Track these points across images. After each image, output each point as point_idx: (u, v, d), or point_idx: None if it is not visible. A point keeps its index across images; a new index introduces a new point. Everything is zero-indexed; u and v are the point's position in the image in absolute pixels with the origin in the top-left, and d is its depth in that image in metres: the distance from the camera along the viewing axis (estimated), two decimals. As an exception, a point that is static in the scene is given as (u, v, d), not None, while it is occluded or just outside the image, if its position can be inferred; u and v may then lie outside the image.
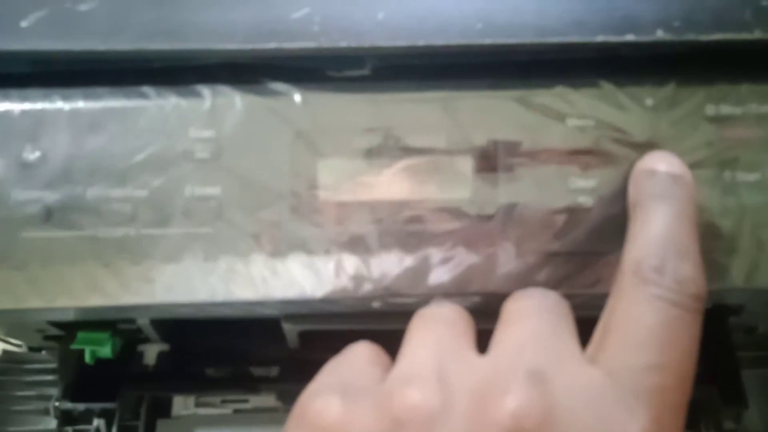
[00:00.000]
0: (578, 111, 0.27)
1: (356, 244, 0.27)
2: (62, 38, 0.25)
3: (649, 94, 0.27)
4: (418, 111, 0.27)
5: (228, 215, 0.26)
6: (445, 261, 0.27)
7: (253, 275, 0.27)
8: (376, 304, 0.28)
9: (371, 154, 0.27)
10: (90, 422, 0.37)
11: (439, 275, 0.27)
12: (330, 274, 0.27)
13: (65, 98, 0.26)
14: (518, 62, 0.27)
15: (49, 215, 0.26)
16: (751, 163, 0.26)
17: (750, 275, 0.26)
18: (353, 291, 0.27)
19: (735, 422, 0.38)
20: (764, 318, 0.37)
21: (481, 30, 0.26)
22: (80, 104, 0.26)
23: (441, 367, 0.22)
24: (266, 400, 0.38)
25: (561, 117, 0.27)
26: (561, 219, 0.27)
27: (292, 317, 0.32)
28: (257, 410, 0.38)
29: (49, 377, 0.41)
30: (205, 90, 0.27)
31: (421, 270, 0.27)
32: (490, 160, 0.27)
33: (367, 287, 0.27)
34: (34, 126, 0.26)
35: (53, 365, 0.41)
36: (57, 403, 0.37)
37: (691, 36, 0.25)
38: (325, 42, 0.25)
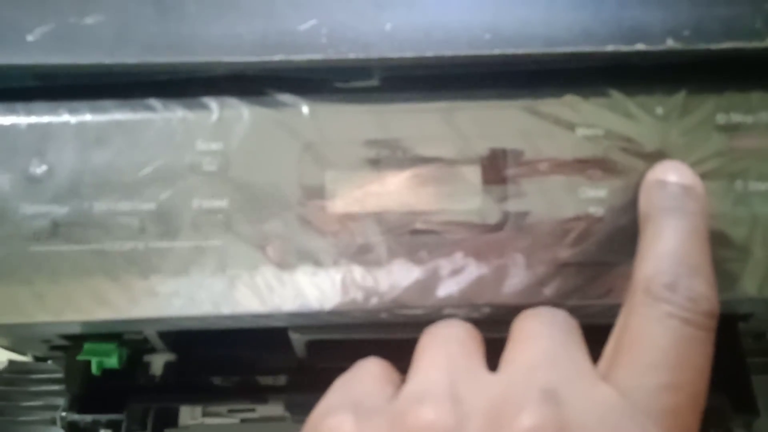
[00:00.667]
0: (588, 120, 0.27)
1: (364, 256, 0.27)
2: (68, 52, 0.25)
3: (659, 103, 0.26)
4: (426, 121, 0.27)
5: (236, 228, 0.26)
6: (454, 272, 0.27)
7: (261, 288, 0.26)
8: (384, 316, 0.28)
9: (379, 165, 0.27)
10: (96, 433, 0.37)
11: (449, 287, 0.27)
12: (338, 286, 0.27)
13: (72, 111, 0.26)
14: (527, 72, 0.27)
15: (56, 229, 0.26)
16: (763, 172, 0.26)
17: (762, 285, 0.26)
18: (362, 303, 0.27)
19: (745, 429, 0.38)
20: (774, 324, 0.36)
21: (489, 40, 0.25)
22: (87, 117, 0.26)
23: (453, 385, 0.21)
24: (273, 409, 0.38)
25: (570, 126, 0.27)
26: (571, 229, 0.26)
27: (300, 327, 0.32)
28: (264, 419, 0.38)
29: (56, 387, 0.41)
30: (213, 102, 0.27)
31: (430, 281, 0.27)
32: (499, 170, 0.27)
33: (375, 299, 0.27)
34: (41, 140, 0.26)
35: (59, 375, 0.41)
36: (64, 414, 0.37)
37: (701, 45, 0.25)
38: (333, 53, 0.25)
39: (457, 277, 0.27)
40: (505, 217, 0.26)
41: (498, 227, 0.26)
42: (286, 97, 0.27)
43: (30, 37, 0.25)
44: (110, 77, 0.26)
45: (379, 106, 0.27)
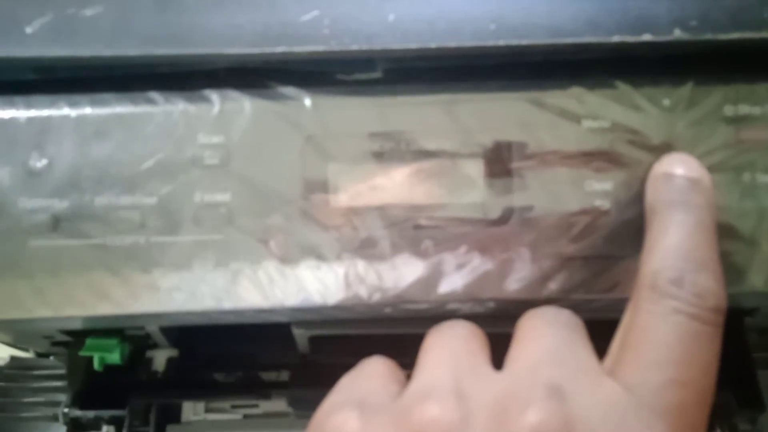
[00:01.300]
0: (593, 112, 0.26)
1: (368, 250, 0.26)
2: (67, 44, 0.25)
3: (665, 95, 0.26)
4: (429, 114, 0.27)
5: (238, 221, 0.26)
6: (458, 267, 0.26)
7: (264, 282, 0.26)
8: (388, 311, 0.27)
9: (383, 158, 0.26)
10: (99, 429, 0.37)
11: (453, 281, 0.26)
12: (341, 281, 0.26)
13: (71, 105, 0.26)
14: (532, 63, 0.26)
15: (56, 224, 0.26)
16: (771, 164, 0.26)
17: (770, 279, 0.26)
18: (365, 298, 0.27)
19: (750, 425, 0.38)
20: (780, 319, 0.36)
21: (494, 31, 0.25)
22: (87, 111, 0.26)
23: (458, 383, 0.21)
24: (276, 405, 0.38)
25: (576, 118, 0.26)
26: (577, 222, 0.26)
27: (303, 323, 0.32)
28: (267, 415, 0.38)
29: (58, 383, 0.41)
30: (214, 95, 0.26)
31: (434, 276, 0.26)
32: (503, 163, 0.26)
33: (379, 294, 0.27)
34: (41, 133, 0.26)
35: (61, 371, 0.41)
36: (66, 410, 0.37)
37: (708, 35, 0.25)
38: (336, 45, 0.25)
39: (461, 271, 0.26)
40: (510, 210, 0.26)
41: (502, 221, 0.26)
42: (288, 90, 0.26)
43: (29, 30, 0.25)
44: (110, 70, 0.26)
45: (382, 99, 0.27)
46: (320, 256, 0.26)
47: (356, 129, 0.26)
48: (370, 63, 0.26)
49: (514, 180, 0.26)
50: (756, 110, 0.26)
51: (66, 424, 0.37)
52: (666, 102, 0.26)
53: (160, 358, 0.38)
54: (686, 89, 0.26)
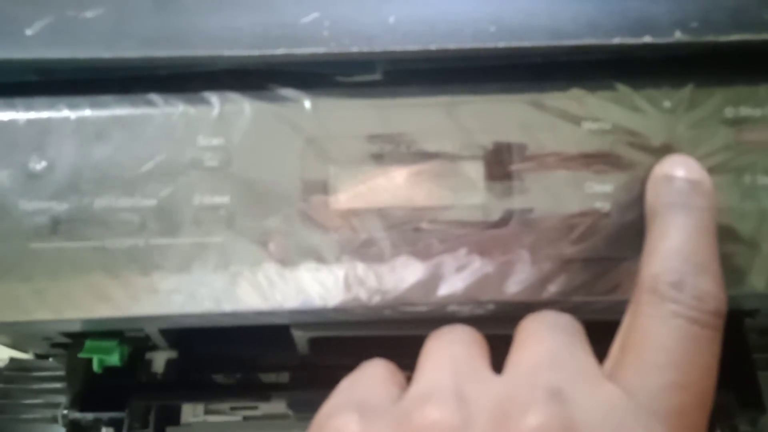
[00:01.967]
0: (594, 114, 0.26)
1: (368, 252, 0.26)
2: (67, 46, 0.25)
3: (666, 97, 0.26)
4: (429, 116, 0.26)
5: (238, 224, 0.26)
6: (458, 269, 0.26)
7: (263, 284, 0.26)
8: (388, 313, 0.27)
9: (382, 160, 0.26)
10: (98, 431, 0.37)
11: (453, 283, 0.26)
12: (341, 283, 0.26)
13: (71, 107, 0.26)
14: (532, 65, 0.26)
15: (56, 226, 0.26)
16: (771, 166, 0.26)
17: (771, 280, 0.26)
18: (365, 300, 0.26)
19: (751, 426, 0.38)
20: (780, 320, 0.36)
21: (494, 33, 0.25)
22: (87, 113, 0.26)
23: (459, 386, 0.21)
24: (276, 407, 0.38)
25: (576, 120, 0.26)
26: (577, 224, 0.26)
27: (302, 324, 0.32)
28: (267, 417, 0.38)
29: (57, 385, 0.41)
30: (214, 97, 0.26)
31: (434, 278, 0.26)
32: (503, 165, 0.26)
33: (378, 296, 0.26)
34: (40, 135, 0.26)
35: (61, 372, 0.41)
36: (65, 412, 0.37)
37: (709, 37, 0.25)
38: (335, 47, 0.25)
39: (461, 273, 0.26)
40: (510, 212, 0.26)
41: (503, 223, 0.26)
42: (287, 92, 0.26)
43: (29, 31, 0.25)
44: (110, 72, 0.26)
45: (382, 101, 0.26)
46: (320, 259, 0.26)
47: (356, 131, 0.26)
48: (369, 65, 0.26)
49: (514, 182, 0.26)
50: (756, 112, 0.26)
51: (65, 426, 0.37)
52: (666, 104, 0.26)
53: (160, 360, 0.38)
54: (686, 91, 0.26)
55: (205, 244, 0.26)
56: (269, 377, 0.38)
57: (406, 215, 0.26)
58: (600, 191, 0.26)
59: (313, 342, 0.34)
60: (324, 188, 0.26)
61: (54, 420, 0.39)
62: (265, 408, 0.38)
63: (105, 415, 0.36)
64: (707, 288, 0.22)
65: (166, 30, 0.25)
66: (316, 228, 0.26)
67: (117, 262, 0.26)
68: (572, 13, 0.26)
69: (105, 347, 0.35)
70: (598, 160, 0.26)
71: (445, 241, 0.26)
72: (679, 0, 0.26)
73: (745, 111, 0.26)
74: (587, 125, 0.26)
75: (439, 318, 0.29)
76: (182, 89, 0.26)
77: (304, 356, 0.36)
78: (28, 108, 0.26)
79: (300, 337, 0.33)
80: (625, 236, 0.26)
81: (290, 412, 0.37)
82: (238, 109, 0.26)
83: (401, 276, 0.26)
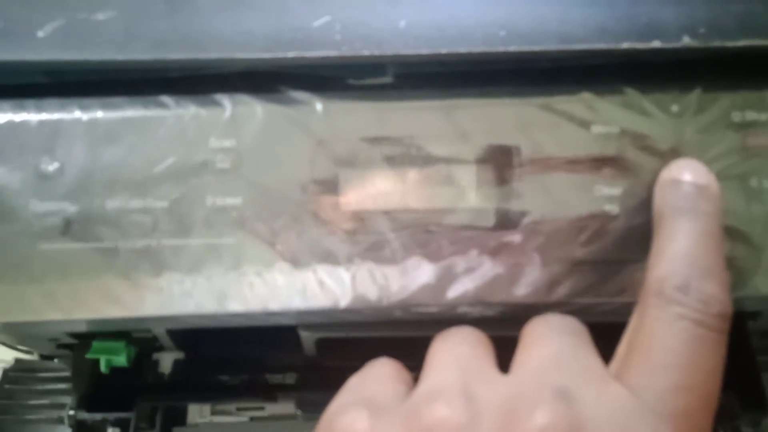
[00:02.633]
0: (603, 118, 0.26)
1: (377, 253, 0.27)
2: (79, 48, 0.25)
3: (674, 101, 0.26)
4: (439, 119, 0.27)
5: (249, 225, 0.26)
6: (468, 271, 0.26)
7: (275, 285, 0.26)
8: (397, 314, 0.27)
9: (393, 162, 0.27)
10: (104, 431, 0.37)
11: (462, 285, 0.26)
12: (351, 284, 0.27)
13: (83, 108, 0.26)
14: (542, 69, 0.26)
15: (67, 227, 0.26)
16: (778, 170, 0.26)
17: (776, 283, 0.26)
18: (374, 301, 0.27)
19: (753, 427, 0.38)
20: (783, 322, 0.36)
21: (504, 37, 0.25)
22: (98, 114, 0.26)
23: (466, 384, 0.21)
24: (282, 407, 0.38)
25: (585, 124, 0.26)
26: (586, 227, 0.26)
27: (310, 325, 0.32)
28: (273, 418, 0.38)
29: (62, 386, 0.41)
30: (225, 99, 0.26)
31: (444, 280, 0.27)
32: (513, 168, 0.26)
33: (388, 297, 0.27)
34: (52, 137, 0.26)
35: (66, 373, 0.41)
36: (72, 413, 0.37)
37: (717, 42, 0.25)
38: (347, 50, 0.25)
39: (470, 275, 0.26)
40: (519, 215, 0.26)
41: (512, 225, 0.26)
42: (299, 95, 0.27)
43: (41, 33, 0.25)
44: (121, 73, 0.26)
45: (393, 104, 0.27)
46: (330, 260, 0.26)
47: (366, 133, 0.26)
48: (380, 68, 0.26)
49: (524, 185, 0.26)
50: (763, 117, 0.26)
51: (71, 426, 0.37)
52: (674, 108, 0.26)
53: (167, 361, 0.38)
54: (694, 95, 0.26)
55: (216, 245, 0.26)
56: (275, 378, 0.39)
57: (416, 217, 0.26)
58: (608, 194, 0.26)
59: (321, 343, 0.34)
60: (334, 190, 0.26)
61: (59, 421, 0.39)
62: (271, 409, 0.38)
63: (112, 416, 0.36)
64: (713, 291, 0.22)
65: (178, 32, 0.25)
66: (327, 229, 0.26)
67: (128, 264, 0.26)
68: (581, 17, 0.26)
69: (112, 348, 0.35)
70: (607, 164, 0.26)
71: (456, 243, 0.26)
72: (687, 5, 0.26)
73: (751, 116, 0.26)
74: (596, 129, 0.26)
75: (448, 319, 0.29)
76: (194, 91, 0.26)
77: (311, 357, 0.37)
78: (40, 109, 0.26)
79: (307, 338, 0.34)
80: (632, 239, 0.26)
81: (297, 413, 0.37)
82: (249, 112, 0.26)
83: (411, 277, 0.26)
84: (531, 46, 0.25)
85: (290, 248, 0.26)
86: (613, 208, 0.26)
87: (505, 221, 0.26)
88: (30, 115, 0.26)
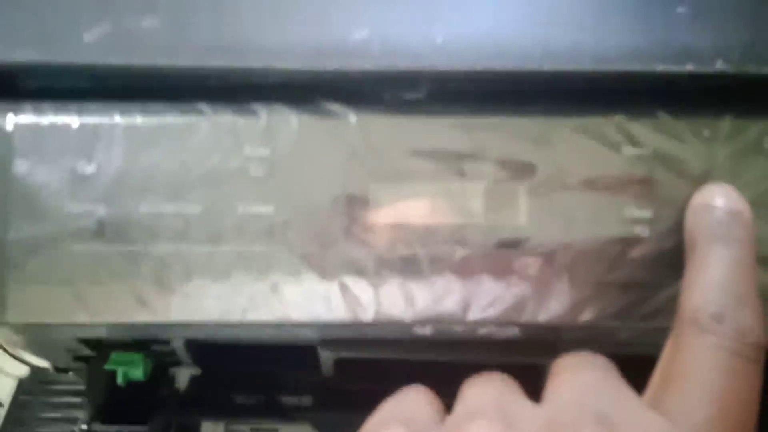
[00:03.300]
0: (635, 140, 0.27)
1: (408, 268, 0.26)
2: (124, 53, 0.26)
3: (706, 126, 0.26)
4: (473, 136, 0.27)
5: (280, 234, 0.26)
6: (497, 290, 0.26)
7: (302, 295, 0.26)
8: (424, 331, 0.27)
9: (426, 177, 0.27)
10: (116, 447, 0.37)
11: (491, 305, 0.26)
12: (378, 298, 0.26)
13: (122, 113, 0.27)
14: (576, 90, 0.27)
15: (100, 229, 0.26)
16: (811, 196, 0.26)
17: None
18: (400, 316, 0.26)
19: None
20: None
21: (540, 56, 0.26)
22: (137, 119, 0.27)
23: (504, 408, 0.21)
24: (297, 429, 0.37)
25: (617, 146, 0.27)
26: (616, 249, 0.26)
27: (330, 343, 0.32)
28: (287, 440, 0.37)
29: (76, 399, 0.40)
30: (261, 108, 0.27)
31: (473, 298, 0.26)
32: (545, 188, 0.27)
33: (417, 313, 0.26)
34: (91, 139, 0.26)
35: (80, 387, 0.41)
36: (84, 426, 0.36)
37: (751, 68, 0.25)
38: (385, 64, 0.25)
39: (499, 294, 0.26)
40: (551, 235, 0.26)
41: (542, 245, 0.26)
42: (334, 107, 0.27)
43: (87, 37, 0.26)
44: (162, 80, 0.26)
45: (427, 119, 0.27)
46: (359, 272, 0.26)
47: (400, 147, 0.27)
48: (416, 83, 0.27)
49: (555, 205, 0.26)
50: (796, 144, 0.26)
51: (84, 439, 0.37)
52: (706, 133, 0.27)
53: (183, 376, 0.38)
54: (726, 121, 0.26)
55: (246, 253, 0.26)
56: (291, 400, 0.38)
57: (447, 233, 0.26)
58: (639, 217, 0.26)
59: (339, 363, 0.34)
60: (366, 203, 0.27)
61: (71, 434, 0.39)
62: (285, 430, 0.37)
63: (126, 429, 0.36)
64: (747, 321, 0.22)
65: (221, 41, 0.26)
66: (357, 242, 0.26)
67: (159, 268, 0.26)
68: (617, 39, 0.26)
69: (130, 360, 0.35)
70: (639, 186, 0.26)
71: (486, 262, 0.26)
72: (722, 30, 0.26)
73: (784, 142, 0.26)
74: (628, 151, 0.26)
75: (471, 341, 0.29)
76: (230, 99, 0.27)
77: (327, 379, 0.36)
78: (81, 112, 0.27)
79: (326, 357, 0.33)
80: (663, 263, 0.26)
81: (313, 435, 0.36)
82: (284, 121, 0.27)
83: (439, 294, 0.26)
84: (565, 66, 0.25)
85: (319, 259, 0.26)
86: (643, 231, 0.26)
87: (536, 241, 0.26)
88: (71, 118, 0.26)
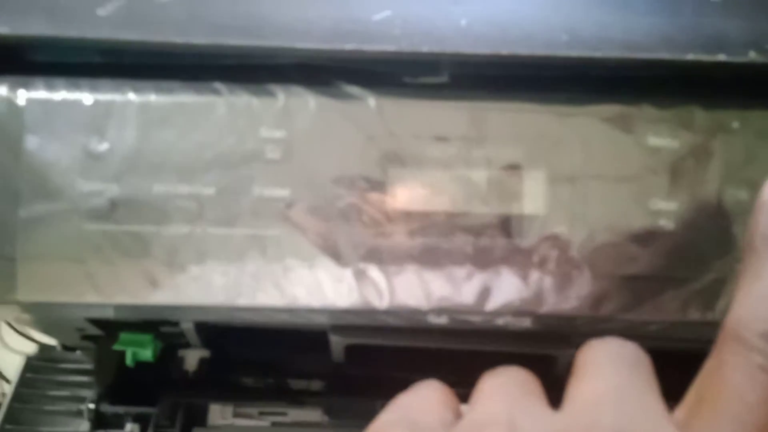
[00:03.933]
0: (661, 130, 0.26)
1: (425, 256, 0.26)
2: (139, 29, 0.25)
3: (735, 117, 0.26)
4: (493, 121, 0.26)
5: (295, 218, 0.26)
6: (517, 280, 0.26)
7: (316, 281, 0.26)
8: (442, 321, 0.27)
9: (445, 163, 0.26)
10: (122, 427, 0.36)
11: (511, 294, 0.26)
12: (396, 286, 0.26)
13: (136, 90, 0.26)
14: (601, 77, 0.26)
15: (113, 208, 0.25)
16: None
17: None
18: (419, 304, 0.26)
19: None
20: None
21: (566, 42, 0.25)
22: (151, 97, 0.26)
23: (514, 419, 0.20)
24: (306, 414, 0.37)
25: (644, 136, 0.26)
26: (640, 241, 0.25)
27: (341, 329, 0.31)
28: (296, 424, 0.37)
29: (83, 378, 0.40)
30: (279, 89, 0.26)
31: (492, 288, 0.26)
32: (567, 177, 0.26)
33: (434, 301, 0.26)
34: (104, 117, 0.26)
35: (87, 366, 0.41)
36: (92, 406, 0.36)
37: (784, 58, 0.25)
38: (406, 46, 0.25)
39: (519, 284, 0.26)
40: (572, 225, 0.26)
41: (564, 235, 0.26)
42: (352, 89, 0.26)
43: (101, 12, 0.25)
44: (178, 57, 0.26)
45: (447, 103, 0.26)
46: (376, 259, 0.26)
47: (419, 132, 0.26)
48: (437, 66, 0.26)
49: (578, 195, 0.26)
50: (827, 138, 0.26)
51: (90, 420, 0.37)
52: (735, 124, 0.26)
53: (192, 358, 0.37)
54: (757, 112, 0.26)
55: (260, 237, 0.26)
56: (300, 383, 0.38)
57: (466, 222, 0.26)
58: (665, 209, 0.25)
59: (350, 349, 0.33)
60: (383, 188, 0.26)
61: (78, 414, 0.39)
62: (294, 415, 0.37)
63: (133, 410, 0.35)
64: None
65: (238, 19, 0.25)
66: (373, 228, 0.26)
67: (171, 249, 0.25)
68: (646, 26, 0.25)
69: (139, 341, 0.34)
70: (665, 178, 0.26)
71: (504, 251, 0.26)
72: (754, 19, 0.25)
73: (815, 135, 0.26)
74: (654, 141, 0.26)
75: (487, 331, 0.28)
76: (247, 79, 0.26)
77: (338, 364, 0.36)
78: (93, 89, 0.26)
79: (337, 343, 0.33)
80: (690, 256, 0.25)
81: (321, 421, 0.36)
82: (302, 103, 0.26)
83: (459, 282, 0.26)
84: (593, 53, 0.25)
85: (334, 244, 0.26)
86: (668, 224, 0.25)
87: (557, 231, 0.26)
88: (83, 95, 0.26)
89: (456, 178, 0.26)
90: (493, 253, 0.26)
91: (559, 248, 0.26)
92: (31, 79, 0.26)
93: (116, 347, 0.34)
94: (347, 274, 0.26)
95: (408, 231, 0.26)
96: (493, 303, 0.26)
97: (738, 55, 0.25)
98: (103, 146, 0.26)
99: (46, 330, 0.37)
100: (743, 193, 0.25)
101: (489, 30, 0.25)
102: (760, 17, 0.26)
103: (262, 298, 0.26)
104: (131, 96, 0.26)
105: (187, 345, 0.37)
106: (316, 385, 0.38)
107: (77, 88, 0.26)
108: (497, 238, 0.26)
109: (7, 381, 0.44)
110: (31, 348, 0.42)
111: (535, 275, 0.26)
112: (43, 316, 0.31)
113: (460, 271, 0.26)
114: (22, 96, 0.26)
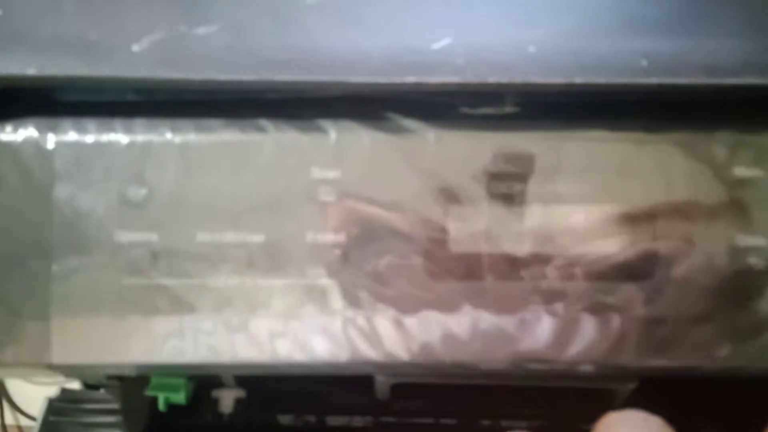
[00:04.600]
0: (745, 159, 0.24)
1: (492, 301, 0.24)
2: (178, 66, 0.23)
3: (826, 145, 0.24)
4: (561, 153, 0.24)
5: (352, 265, 0.24)
6: (595, 327, 0.24)
7: (378, 333, 0.24)
8: (509, 369, 0.25)
9: (508, 201, 0.24)
10: (154, 472, 0.35)
11: (587, 343, 0.24)
12: (462, 335, 0.24)
13: (175, 130, 0.24)
14: (678, 103, 0.24)
15: (154, 260, 0.23)
16: None
17: None
18: (487, 354, 0.24)
19: None
20: None
21: (645, 68, 0.23)
22: (191, 137, 0.24)
23: None
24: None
25: (726, 166, 0.24)
26: (729, 281, 0.24)
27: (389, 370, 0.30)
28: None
29: (110, 419, 0.38)
30: (329, 125, 0.24)
31: (566, 335, 0.24)
32: (643, 212, 0.24)
33: (502, 350, 0.24)
34: (141, 160, 0.24)
35: (113, 405, 0.38)
36: (124, 452, 0.34)
37: None
38: (472, 77, 0.23)
39: (598, 332, 0.24)
40: (653, 265, 0.24)
41: (644, 276, 0.24)
42: (409, 123, 0.24)
43: (136, 47, 0.23)
44: (219, 94, 0.23)
45: (511, 135, 0.24)
46: (439, 306, 0.24)
47: (482, 168, 0.24)
48: (500, 97, 0.24)
49: (656, 231, 0.24)
50: None
51: (121, 465, 0.35)
52: (824, 152, 0.24)
53: (227, 399, 0.35)
54: None
55: (316, 286, 0.23)
56: (341, 420, 0.36)
57: (535, 263, 0.24)
58: (753, 245, 0.23)
59: (395, 388, 0.32)
60: (444, 229, 0.24)
61: (105, 457, 0.37)
62: (334, 455, 0.35)
63: (169, 458, 0.33)
64: None
65: (286, 52, 0.23)
66: (436, 273, 0.24)
67: (220, 303, 0.23)
68: (727, 49, 0.23)
69: (172, 385, 0.32)
70: (751, 211, 0.24)
71: (578, 295, 0.24)
72: None
73: None
74: (738, 171, 0.24)
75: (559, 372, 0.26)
76: (295, 115, 0.24)
77: (380, 402, 0.34)
78: (128, 130, 0.24)
79: (383, 383, 0.31)
80: (780, 297, 0.23)
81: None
82: (355, 139, 0.24)
83: (529, 330, 0.24)
84: (676, 79, 0.23)
85: (396, 292, 0.24)
86: (759, 262, 0.23)
87: (637, 271, 0.24)
88: (118, 136, 0.24)
89: (520, 217, 0.24)
90: (567, 298, 0.24)
91: (641, 291, 0.24)
92: (60, 121, 0.24)
93: (149, 393, 0.32)
94: (410, 323, 0.24)
95: (472, 274, 0.24)
96: (569, 352, 0.24)
97: (830, 77, 0.23)
98: (141, 192, 0.23)
99: (68, 375, 0.35)
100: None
101: (560, 57, 0.23)
102: None
103: (321, 353, 0.24)
104: (169, 136, 0.24)
105: (221, 384, 0.35)
106: (357, 421, 0.36)
107: (110, 128, 0.24)
108: (572, 282, 0.24)
109: (24, 414, 0.41)
110: (52, 390, 0.40)
111: (613, 321, 0.24)
112: (75, 374, 0.29)
113: (533, 318, 0.24)
114: (51, 140, 0.24)
